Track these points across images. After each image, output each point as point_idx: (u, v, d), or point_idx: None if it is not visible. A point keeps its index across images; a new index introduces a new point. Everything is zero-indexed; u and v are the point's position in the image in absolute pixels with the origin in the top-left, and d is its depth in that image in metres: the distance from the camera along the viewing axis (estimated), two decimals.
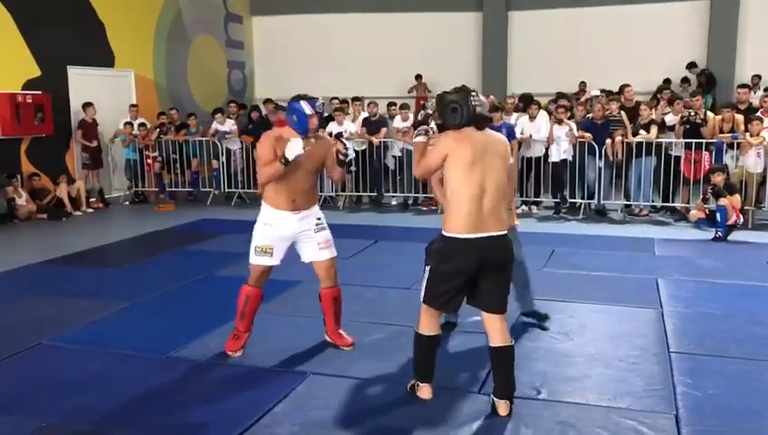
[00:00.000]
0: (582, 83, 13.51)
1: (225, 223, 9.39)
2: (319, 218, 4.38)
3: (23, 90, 10.40)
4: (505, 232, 3.47)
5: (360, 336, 4.69)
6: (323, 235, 4.37)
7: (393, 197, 11.11)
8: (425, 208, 10.61)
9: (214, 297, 5.71)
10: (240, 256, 5.89)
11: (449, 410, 3.64)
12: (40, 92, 10.58)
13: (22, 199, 9.97)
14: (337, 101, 11.61)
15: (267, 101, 12.58)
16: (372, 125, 10.77)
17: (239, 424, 3.47)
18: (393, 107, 11.32)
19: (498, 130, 9.29)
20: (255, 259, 4.31)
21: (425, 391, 3.72)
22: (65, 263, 7.19)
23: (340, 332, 4.56)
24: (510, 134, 9.53)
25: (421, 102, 13.76)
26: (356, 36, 15.50)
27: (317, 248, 4.35)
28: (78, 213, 10.56)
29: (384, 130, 10.70)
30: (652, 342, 4.64)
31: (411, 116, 10.81)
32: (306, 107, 4.16)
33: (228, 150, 11.41)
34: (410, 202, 10.96)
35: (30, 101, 10.39)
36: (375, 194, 10.96)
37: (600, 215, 9.83)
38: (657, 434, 3.36)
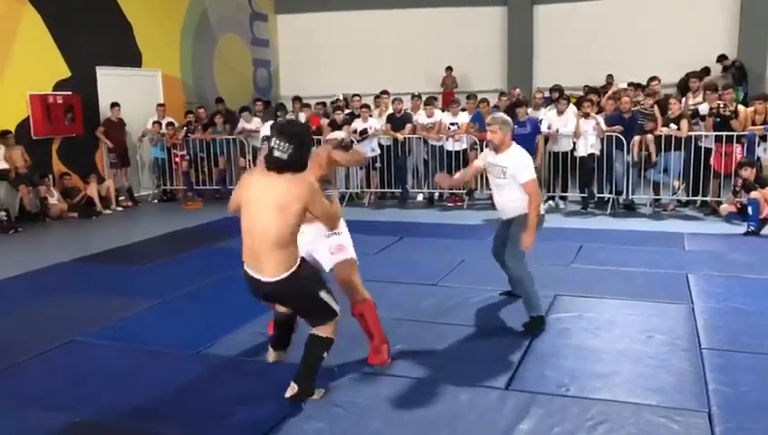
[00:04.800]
0: (609, 76, 13.34)
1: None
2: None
3: (53, 90, 10.59)
4: (274, 280, 3.43)
5: (387, 332, 4.69)
6: (334, 240, 4.12)
7: (419, 192, 11.10)
8: (450, 204, 10.58)
9: (241, 294, 5.72)
10: None
11: (476, 405, 3.63)
12: (70, 93, 10.76)
13: (54, 198, 10.15)
14: (358, 98, 11.61)
15: (296, 99, 12.61)
16: (397, 121, 10.76)
17: (269, 419, 3.51)
18: (417, 99, 11.29)
19: (523, 125, 9.36)
20: None
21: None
22: (96, 260, 7.31)
23: (376, 348, 4.23)
24: (535, 129, 9.46)
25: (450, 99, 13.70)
26: (381, 33, 15.48)
27: (329, 254, 4.13)
28: (108, 211, 10.72)
29: (409, 126, 10.68)
30: (682, 338, 4.58)
31: (437, 112, 10.77)
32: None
33: (255, 148, 11.48)
34: (436, 198, 10.94)
35: (60, 101, 10.57)
36: (400, 190, 10.96)
37: (629, 209, 9.72)
38: (689, 431, 3.33)
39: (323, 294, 3.60)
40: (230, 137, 11.62)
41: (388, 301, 5.43)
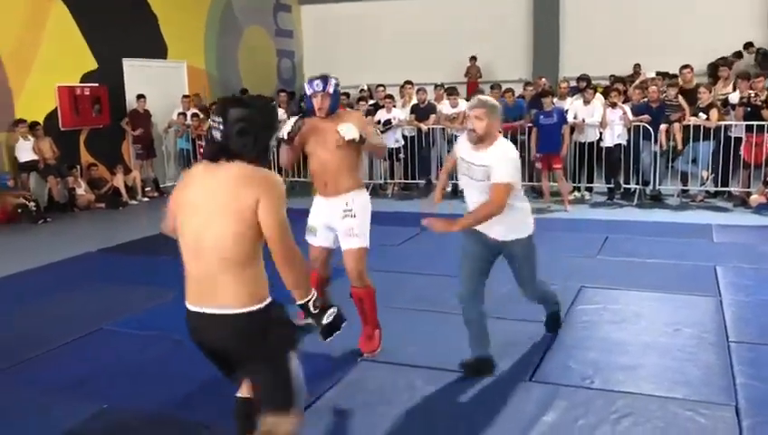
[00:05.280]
0: (637, 66, 13.14)
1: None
2: (348, 206, 4.02)
3: (81, 82, 10.72)
4: (230, 312, 2.37)
5: (409, 323, 4.71)
6: (347, 223, 4.01)
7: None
8: None
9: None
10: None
11: (499, 397, 3.61)
12: (97, 85, 10.88)
13: (81, 189, 10.30)
14: (382, 88, 11.58)
15: None
16: (421, 112, 10.72)
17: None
18: (440, 90, 11.23)
19: (549, 115, 9.27)
20: (305, 236, 4.25)
21: None
22: (123, 251, 7.41)
23: (369, 335, 4.21)
24: (561, 119, 9.37)
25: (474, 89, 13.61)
26: (405, 22, 15.41)
27: (341, 237, 4.06)
28: (134, 202, 10.85)
29: (433, 116, 10.64)
30: (710, 331, 4.51)
31: (461, 102, 10.71)
32: (306, 87, 4.06)
33: (278, 139, 11.49)
34: (460, 189, 10.88)
35: (87, 93, 10.71)
36: (424, 181, 10.92)
37: (656, 201, 9.59)
38: (717, 425, 3.28)
39: (293, 366, 2.48)
40: None
41: (411, 292, 5.43)
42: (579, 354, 4.16)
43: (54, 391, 3.84)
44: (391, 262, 6.25)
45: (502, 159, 3.63)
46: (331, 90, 3.96)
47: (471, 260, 3.91)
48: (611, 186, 9.85)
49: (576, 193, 9.94)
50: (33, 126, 9.77)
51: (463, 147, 3.86)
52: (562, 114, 9.47)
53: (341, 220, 4.03)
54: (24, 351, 4.45)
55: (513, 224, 3.84)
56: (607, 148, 9.64)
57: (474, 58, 14.87)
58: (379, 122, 10.68)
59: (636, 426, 3.28)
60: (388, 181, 11.13)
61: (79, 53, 10.73)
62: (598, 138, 9.72)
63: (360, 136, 3.88)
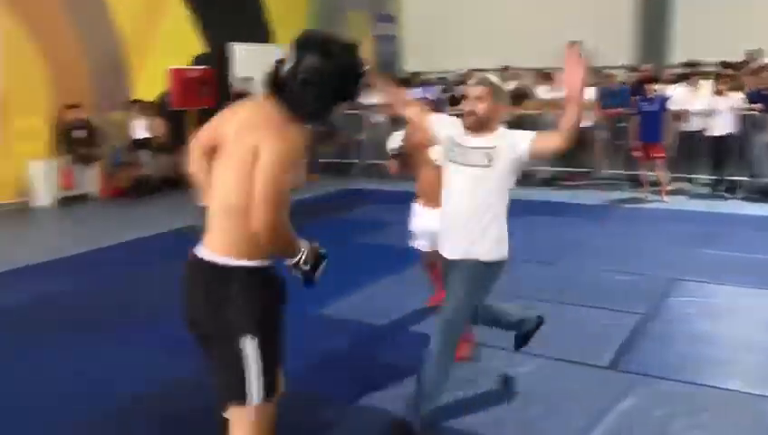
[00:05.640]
0: (749, 52, 12.37)
1: (368, 193, 9.70)
2: None
3: (191, 65, 11.30)
4: (215, 261, 2.14)
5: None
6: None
7: (537, 170, 10.89)
8: (571, 183, 10.32)
9: (355, 263, 5.96)
10: (382, 225, 6.15)
11: (576, 382, 3.62)
12: (205, 67, 11.44)
13: None
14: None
15: (414, 74, 12.72)
16: (519, 97, 10.58)
17: (400, 378, 3.62)
18: (537, 74, 11.06)
19: (651, 101, 8.94)
20: (412, 243, 4.39)
21: None
22: None
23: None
24: (662, 107, 9.02)
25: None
26: (506, 6, 15.19)
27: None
28: None
29: (527, 102, 10.49)
30: None
31: (558, 87, 10.50)
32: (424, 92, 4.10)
33: (373, 123, 11.71)
34: (553, 176, 10.69)
35: (197, 75, 11.27)
36: None
37: (764, 195, 9.07)
38: None
39: (254, 350, 2.09)
40: (350, 112, 11.90)
41: (502, 279, 5.43)
42: (665, 346, 4.08)
43: (160, 351, 4.16)
44: None
45: (515, 133, 3.06)
46: (431, 97, 4.00)
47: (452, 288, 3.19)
48: (716, 177, 9.40)
49: (678, 184, 9.55)
50: (146, 106, 10.43)
51: (454, 129, 3.16)
52: (665, 101, 9.12)
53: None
54: (134, 313, 4.84)
55: (501, 237, 3.18)
56: (714, 137, 9.19)
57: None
58: None
59: (715, 420, 3.22)
60: None
61: (190, 38, 11.33)
62: (704, 127, 9.28)
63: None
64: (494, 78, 3.12)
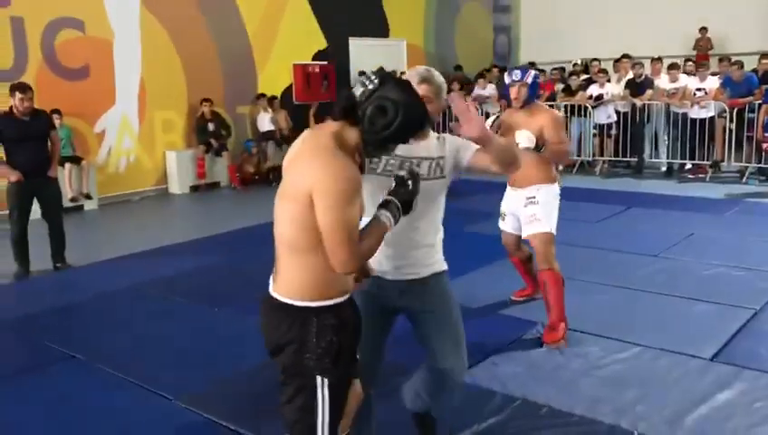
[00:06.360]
0: None
1: (474, 183, 9.78)
2: (532, 196, 4.11)
3: (312, 60, 11.88)
4: (277, 298, 2.11)
5: (591, 295, 4.82)
6: (530, 210, 4.11)
7: (658, 162, 10.59)
8: (691, 176, 9.96)
9: (458, 250, 6.14)
10: (486, 215, 6.29)
11: (675, 371, 3.65)
12: (326, 62, 11.98)
13: None
14: (597, 62, 11.29)
15: (530, 64, 12.67)
16: (637, 87, 10.33)
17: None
18: (657, 63, 10.71)
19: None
20: (499, 222, 4.55)
21: None
22: None
23: (552, 325, 4.06)
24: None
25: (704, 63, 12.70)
26: None
27: (523, 224, 4.20)
28: None
29: (650, 91, 10.20)
30: None
31: (682, 76, 10.13)
32: (506, 77, 4.16)
33: (487, 114, 11.80)
34: (676, 168, 10.35)
35: (318, 70, 11.84)
36: (636, 159, 10.54)
37: None
38: None
39: (325, 399, 2.06)
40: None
41: (599, 268, 5.49)
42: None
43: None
44: (587, 238, 6.32)
45: (457, 138, 2.53)
46: (529, 80, 4.04)
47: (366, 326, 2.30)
48: None
49: None
50: (271, 100, 11.09)
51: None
52: (753, 80, 8.58)
53: (524, 208, 4.16)
54: (255, 289, 5.28)
55: (437, 247, 2.62)
56: None
57: (704, 29, 13.82)
58: (590, 97, 10.51)
59: None
60: (597, 158, 10.89)
61: (312, 33, 11.90)
62: None
63: (537, 144, 3.95)
64: (436, 75, 2.53)
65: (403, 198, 2.12)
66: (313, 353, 2.01)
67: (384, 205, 2.09)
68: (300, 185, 1.95)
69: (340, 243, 1.92)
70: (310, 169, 1.95)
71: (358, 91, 2.00)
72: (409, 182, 2.14)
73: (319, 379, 2.04)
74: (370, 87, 1.98)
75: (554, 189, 4.20)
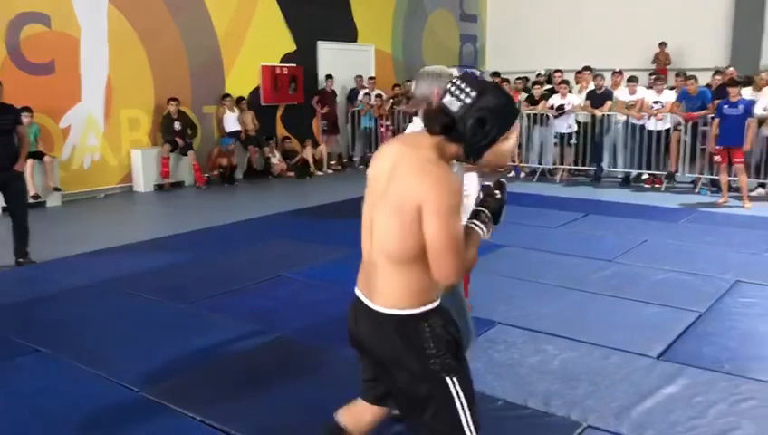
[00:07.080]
0: None
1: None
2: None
3: (281, 63, 11.95)
4: (378, 310, 2.08)
5: (547, 297, 5.02)
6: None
7: (614, 171, 10.92)
8: (647, 185, 10.30)
9: None
10: None
11: (623, 368, 3.84)
12: (294, 65, 12.06)
13: (275, 159, 11.55)
14: (559, 73, 11.60)
15: (494, 74, 12.94)
16: (597, 98, 10.65)
17: None
18: (617, 76, 11.06)
19: (735, 105, 8.84)
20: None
21: None
22: (309, 214, 8.39)
23: None
24: (747, 111, 8.90)
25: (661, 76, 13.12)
26: (590, 7, 15.15)
27: None
28: (320, 173, 11.94)
29: (608, 103, 10.53)
30: None
31: (639, 89, 10.48)
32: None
33: None
34: (632, 178, 10.69)
35: (286, 72, 11.92)
36: (594, 168, 10.86)
37: None
38: None
39: (460, 394, 2.09)
40: None
41: (556, 271, 5.69)
42: (715, 341, 4.23)
43: (241, 320, 4.65)
44: (544, 242, 6.54)
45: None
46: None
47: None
48: None
49: (760, 189, 9.40)
50: (238, 100, 11.13)
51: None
52: (749, 106, 8.99)
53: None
54: (219, 286, 5.38)
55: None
56: None
57: (663, 44, 14.28)
58: (552, 107, 10.80)
59: (756, 409, 3.38)
60: (557, 166, 11.19)
61: (281, 36, 11.98)
62: None
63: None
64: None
65: (493, 208, 2.14)
66: (435, 357, 2.04)
67: (475, 215, 2.12)
68: (408, 198, 1.94)
69: (452, 257, 1.93)
70: (421, 183, 1.93)
71: (454, 105, 1.94)
72: (497, 192, 2.17)
73: (448, 379, 2.06)
74: (468, 101, 1.93)
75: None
